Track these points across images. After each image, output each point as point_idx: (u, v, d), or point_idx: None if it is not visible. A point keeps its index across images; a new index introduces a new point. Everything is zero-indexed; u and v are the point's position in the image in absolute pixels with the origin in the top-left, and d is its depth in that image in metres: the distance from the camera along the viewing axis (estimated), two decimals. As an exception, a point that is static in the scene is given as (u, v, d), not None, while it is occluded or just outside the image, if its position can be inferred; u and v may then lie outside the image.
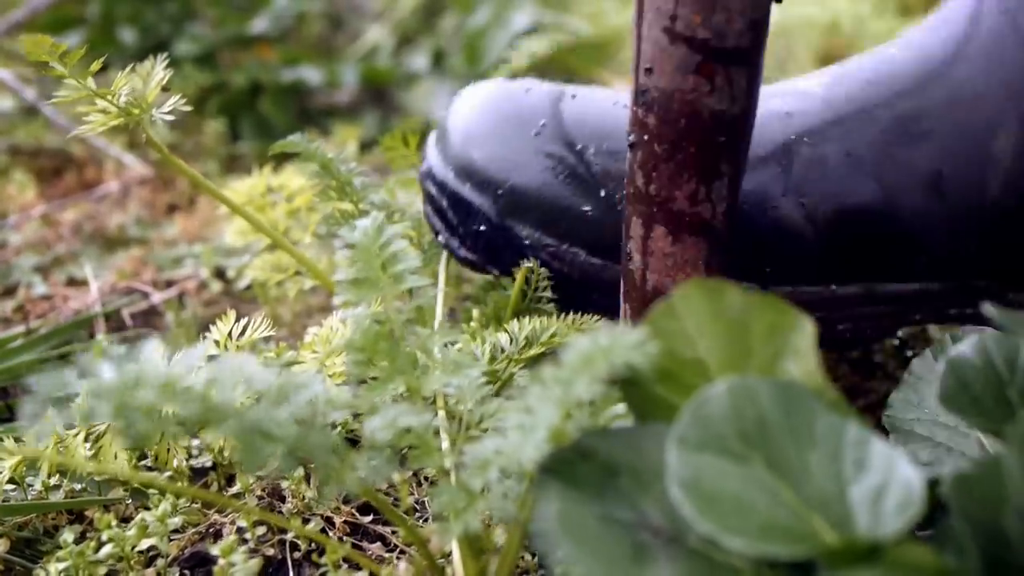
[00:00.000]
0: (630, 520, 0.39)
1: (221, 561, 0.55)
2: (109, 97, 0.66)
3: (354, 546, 0.60)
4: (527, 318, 0.66)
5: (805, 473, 0.38)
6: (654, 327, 0.45)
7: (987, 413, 0.44)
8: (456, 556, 0.50)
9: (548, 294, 0.70)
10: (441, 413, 0.53)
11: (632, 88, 0.54)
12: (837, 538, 0.36)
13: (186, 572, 0.59)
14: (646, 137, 0.54)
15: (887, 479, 0.37)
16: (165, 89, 0.66)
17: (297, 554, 0.59)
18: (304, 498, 0.63)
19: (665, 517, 0.38)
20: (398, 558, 0.58)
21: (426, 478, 0.66)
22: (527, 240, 0.70)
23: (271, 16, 1.69)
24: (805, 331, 0.43)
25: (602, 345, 0.43)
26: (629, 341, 0.42)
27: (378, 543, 0.60)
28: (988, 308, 0.43)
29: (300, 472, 0.63)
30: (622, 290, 0.61)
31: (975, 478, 0.38)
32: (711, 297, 0.45)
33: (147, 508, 0.62)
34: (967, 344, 0.47)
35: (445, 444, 0.50)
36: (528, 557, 0.56)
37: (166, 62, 0.67)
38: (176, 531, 0.61)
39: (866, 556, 0.35)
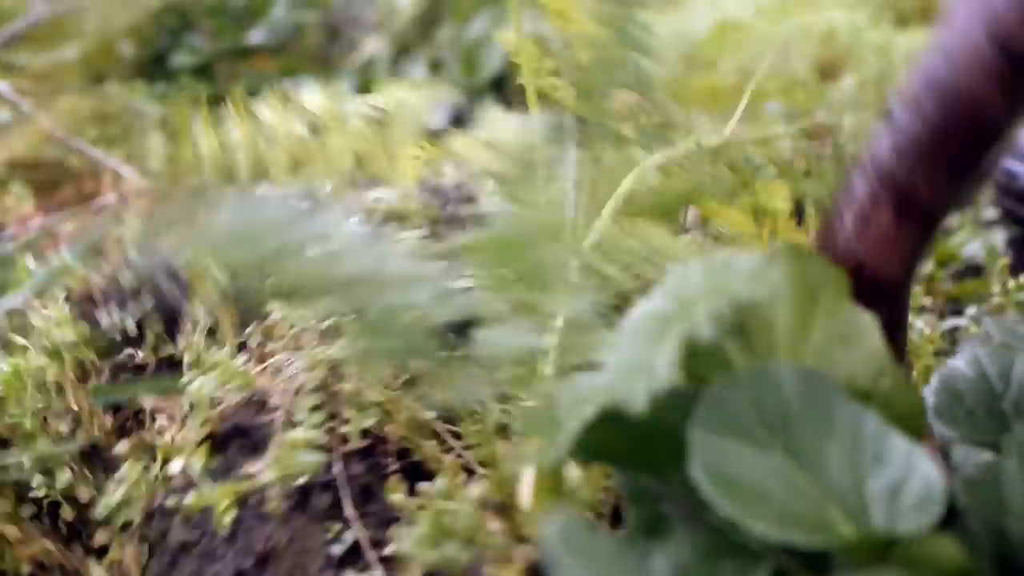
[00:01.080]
0: (653, 490, 0.39)
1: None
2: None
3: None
4: None
5: (824, 464, 0.38)
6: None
7: (980, 426, 0.44)
8: (527, 483, 0.50)
9: None
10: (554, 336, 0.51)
11: (916, 69, 0.55)
12: (853, 531, 0.36)
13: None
14: (918, 121, 0.55)
15: (905, 475, 0.36)
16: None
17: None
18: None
19: (688, 489, 0.38)
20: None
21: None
22: None
23: (268, 27, 1.70)
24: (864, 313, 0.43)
25: (718, 273, 0.41)
26: (747, 268, 0.41)
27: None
28: (986, 321, 0.43)
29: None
30: (817, 235, 0.61)
31: (980, 483, 0.38)
32: (799, 262, 0.44)
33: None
34: (960, 357, 0.47)
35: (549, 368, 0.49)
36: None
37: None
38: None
39: (882, 551, 0.35)
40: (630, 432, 0.41)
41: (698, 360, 0.43)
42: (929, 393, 0.46)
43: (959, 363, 0.46)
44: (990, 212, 1.07)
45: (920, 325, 0.85)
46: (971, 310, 0.90)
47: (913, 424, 0.41)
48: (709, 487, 0.36)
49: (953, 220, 1.08)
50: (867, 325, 0.43)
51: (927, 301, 0.93)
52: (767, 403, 0.39)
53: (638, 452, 0.41)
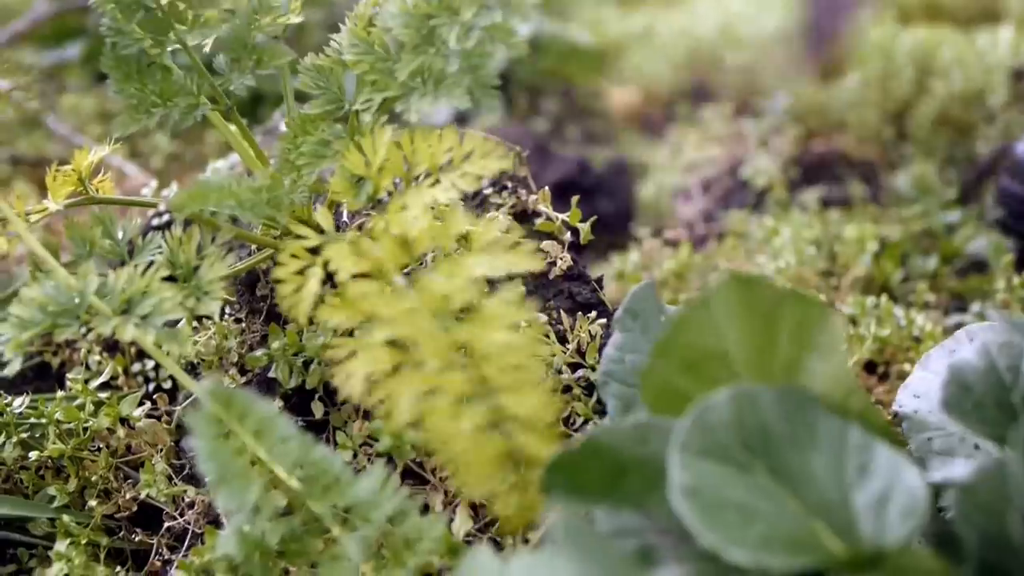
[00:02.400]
0: (635, 524, 0.39)
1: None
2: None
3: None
4: None
5: (808, 479, 0.38)
6: (684, 316, 0.44)
7: (989, 418, 0.44)
8: None
9: None
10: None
11: None
12: (842, 547, 0.36)
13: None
14: None
15: (891, 485, 0.36)
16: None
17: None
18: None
19: (672, 517, 0.38)
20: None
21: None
22: None
23: (272, 26, 1.69)
24: (833, 328, 0.43)
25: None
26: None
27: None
28: (993, 312, 0.43)
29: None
30: None
31: (979, 486, 0.38)
32: (744, 289, 0.43)
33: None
34: (970, 348, 0.47)
35: None
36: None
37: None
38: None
39: (870, 565, 0.35)
40: (605, 468, 0.40)
41: (660, 399, 0.43)
42: (940, 385, 0.46)
43: (969, 354, 0.46)
44: (994, 212, 1.07)
45: (921, 321, 0.86)
46: (975, 306, 0.90)
47: (888, 437, 0.41)
48: (690, 513, 0.36)
49: (956, 217, 1.08)
50: (835, 337, 0.42)
51: (931, 297, 0.93)
52: (747, 424, 0.39)
53: (615, 488, 0.40)
